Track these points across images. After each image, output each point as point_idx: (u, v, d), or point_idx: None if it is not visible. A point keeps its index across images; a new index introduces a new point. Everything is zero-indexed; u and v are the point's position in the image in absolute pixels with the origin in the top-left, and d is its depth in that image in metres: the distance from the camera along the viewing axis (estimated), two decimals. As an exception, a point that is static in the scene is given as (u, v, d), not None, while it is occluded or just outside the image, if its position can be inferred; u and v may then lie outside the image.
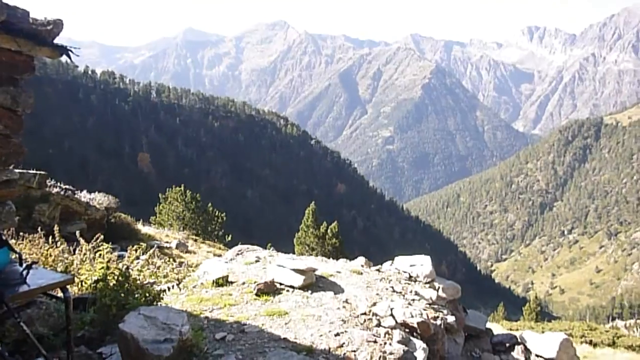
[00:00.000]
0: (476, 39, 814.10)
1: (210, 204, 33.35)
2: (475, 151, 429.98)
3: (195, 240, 24.81)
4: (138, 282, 5.88)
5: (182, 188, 31.08)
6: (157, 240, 19.74)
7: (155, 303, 5.75)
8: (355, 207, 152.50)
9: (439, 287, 8.22)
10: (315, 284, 7.36)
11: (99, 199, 17.56)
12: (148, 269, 6.89)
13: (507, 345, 8.64)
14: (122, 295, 5.40)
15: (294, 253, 29.92)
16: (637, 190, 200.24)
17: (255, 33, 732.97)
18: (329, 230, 31.89)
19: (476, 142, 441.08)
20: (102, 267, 5.62)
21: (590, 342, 21.93)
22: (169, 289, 6.83)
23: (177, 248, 19.50)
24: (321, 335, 5.68)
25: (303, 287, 7.13)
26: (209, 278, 7.31)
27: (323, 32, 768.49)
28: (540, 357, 8.41)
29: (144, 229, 21.90)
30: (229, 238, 31.00)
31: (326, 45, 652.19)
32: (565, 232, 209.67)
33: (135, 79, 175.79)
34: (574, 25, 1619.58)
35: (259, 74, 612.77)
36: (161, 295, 6.10)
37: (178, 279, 7.38)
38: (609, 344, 22.33)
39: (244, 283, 7.26)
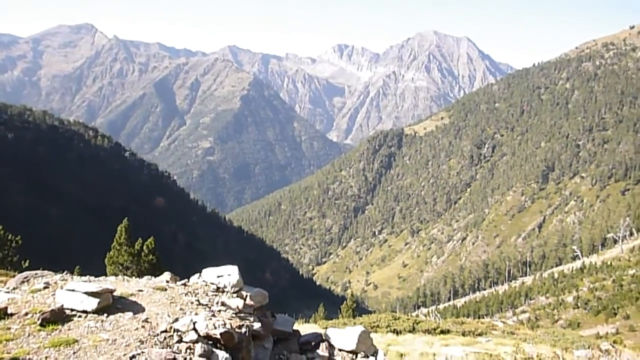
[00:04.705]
0: (292, 53, 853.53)
1: (1, 227, 29.35)
2: (294, 160, 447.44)
3: (-18, 270, 21.58)
4: None
5: (-36, 210, 26.88)
6: None
7: None
8: (176, 221, 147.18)
9: (246, 296, 8.32)
10: (113, 305, 6.92)
11: None
12: None
13: (313, 343, 9.10)
14: None
15: (106, 274, 27.76)
16: (432, 192, 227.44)
17: (57, 36, 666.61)
18: (144, 247, 30.31)
19: (295, 152, 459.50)
20: None
21: (394, 331, 24.38)
22: None
23: (-45, 280, 16.72)
24: (114, 360, 5.35)
25: (98, 311, 6.64)
26: (-18, 312, 6.40)
27: (135, 38, 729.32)
28: (343, 350, 9.03)
29: None
30: (27, 264, 27.65)
31: (139, 52, 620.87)
32: (376, 233, 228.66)
33: None
34: (378, 45, 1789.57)
35: (62, 81, 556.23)
36: None
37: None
38: (410, 330, 25.10)
39: (27, 314, 6.51)
